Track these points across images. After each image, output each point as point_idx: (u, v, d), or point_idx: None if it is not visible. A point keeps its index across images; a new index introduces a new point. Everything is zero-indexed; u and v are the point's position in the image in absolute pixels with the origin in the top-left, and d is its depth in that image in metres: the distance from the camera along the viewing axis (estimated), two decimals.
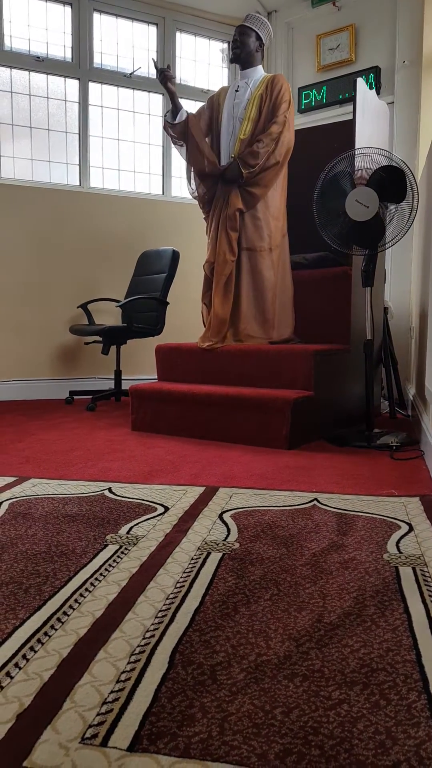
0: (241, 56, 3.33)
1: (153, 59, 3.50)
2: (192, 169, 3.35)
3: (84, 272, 4.52)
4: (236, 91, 3.35)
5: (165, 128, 3.40)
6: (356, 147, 2.76)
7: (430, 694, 0.85)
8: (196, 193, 3.40)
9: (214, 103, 3.42)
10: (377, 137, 3.11)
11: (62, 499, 1.82)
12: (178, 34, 4.81)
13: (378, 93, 4.24)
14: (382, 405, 3.69)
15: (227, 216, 3.21)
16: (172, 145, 3.54)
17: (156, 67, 3.26)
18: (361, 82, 2.92)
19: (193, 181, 3.37)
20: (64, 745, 0.74)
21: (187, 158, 3.34)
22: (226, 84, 4.99)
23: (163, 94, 4.77)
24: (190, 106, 3.44)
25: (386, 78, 4.30)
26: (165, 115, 3.38)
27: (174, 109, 3.31)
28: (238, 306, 3.24)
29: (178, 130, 3.32)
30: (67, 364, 4.53)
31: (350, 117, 2.97)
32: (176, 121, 3.31)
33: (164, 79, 3.25)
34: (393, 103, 4.19)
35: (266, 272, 3.22)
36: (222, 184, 3.26)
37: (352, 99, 2.86)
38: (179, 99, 3.34)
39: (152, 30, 4.74)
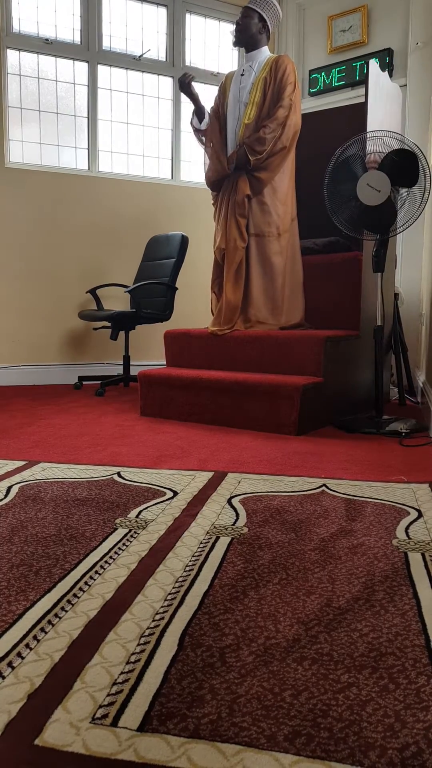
0: (241, 39, 3.28)
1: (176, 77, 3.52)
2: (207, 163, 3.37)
3: (93, 257, 4.51)
4: (241, 75, 3.30)
5: (194, 132, 3.47)
6: (368, 130, 2.72)
7: None
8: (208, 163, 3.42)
9: (222, 88, 3.39)
10: (389, 120, 3.07)
11: (72, 483, 1.83)
12: (187, 15, 4.75)
13: (390, 75, 4.17)
14: (391, 392, 3.68)
15: (236, 202, 3.18)
16: (194, 138, 3.55)
17: (179, 81, 3.32)
18: (373, 64, 2.88)
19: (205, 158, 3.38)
20: (75, 724, 0.75)
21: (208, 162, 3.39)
22: (236, 66, 4.93)
23: (172, 77, 4.72)
24: (200, 89, 3.41)
25: (399, 60, 4.23)
26: (191, 121, 3.44)
27: (198, 111, 3.37)
28: (248, 292, 3.22)
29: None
30: (76, 350, 4.54)
31: (362, 100, 2.93)
32: (203, 127, 3.38)
33: (184, 85, 3.30)
34: (405, 85, 4.12)
35: (275, 258, 3.19)
36: (231, 170, 3.24)
37: (364, 81, 2.82)
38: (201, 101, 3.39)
39: (161, 11, 4.68)
